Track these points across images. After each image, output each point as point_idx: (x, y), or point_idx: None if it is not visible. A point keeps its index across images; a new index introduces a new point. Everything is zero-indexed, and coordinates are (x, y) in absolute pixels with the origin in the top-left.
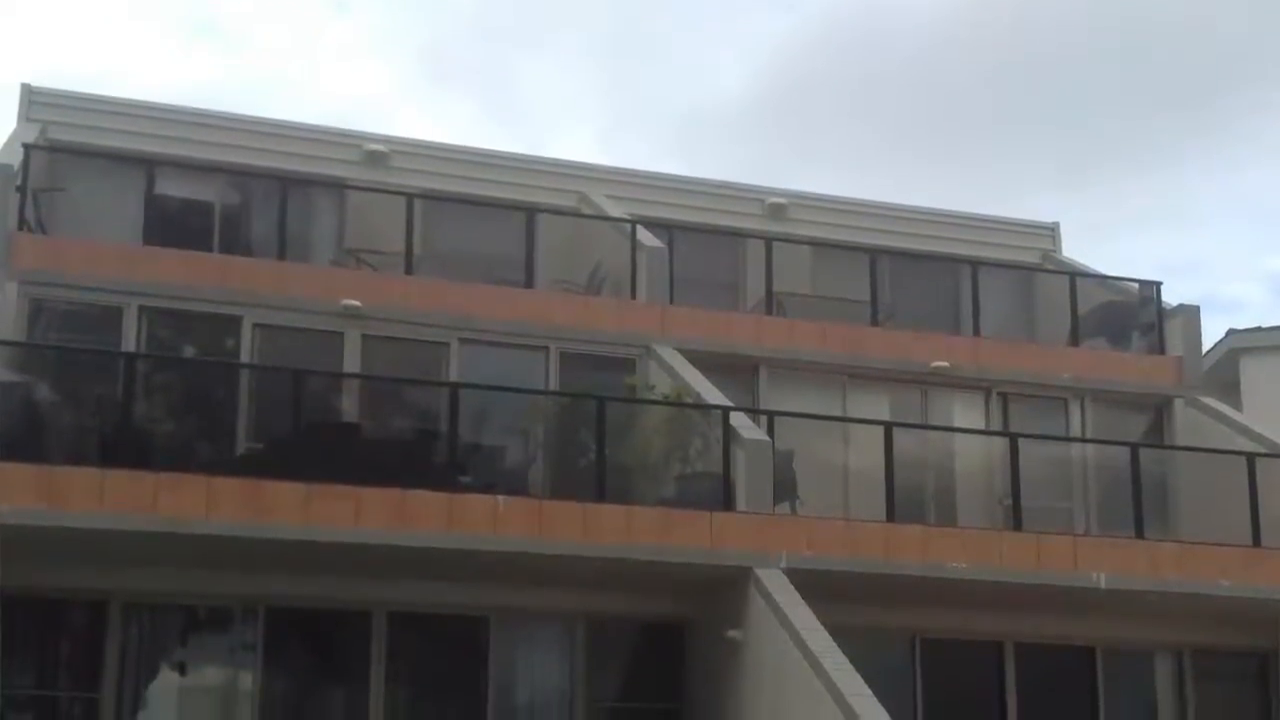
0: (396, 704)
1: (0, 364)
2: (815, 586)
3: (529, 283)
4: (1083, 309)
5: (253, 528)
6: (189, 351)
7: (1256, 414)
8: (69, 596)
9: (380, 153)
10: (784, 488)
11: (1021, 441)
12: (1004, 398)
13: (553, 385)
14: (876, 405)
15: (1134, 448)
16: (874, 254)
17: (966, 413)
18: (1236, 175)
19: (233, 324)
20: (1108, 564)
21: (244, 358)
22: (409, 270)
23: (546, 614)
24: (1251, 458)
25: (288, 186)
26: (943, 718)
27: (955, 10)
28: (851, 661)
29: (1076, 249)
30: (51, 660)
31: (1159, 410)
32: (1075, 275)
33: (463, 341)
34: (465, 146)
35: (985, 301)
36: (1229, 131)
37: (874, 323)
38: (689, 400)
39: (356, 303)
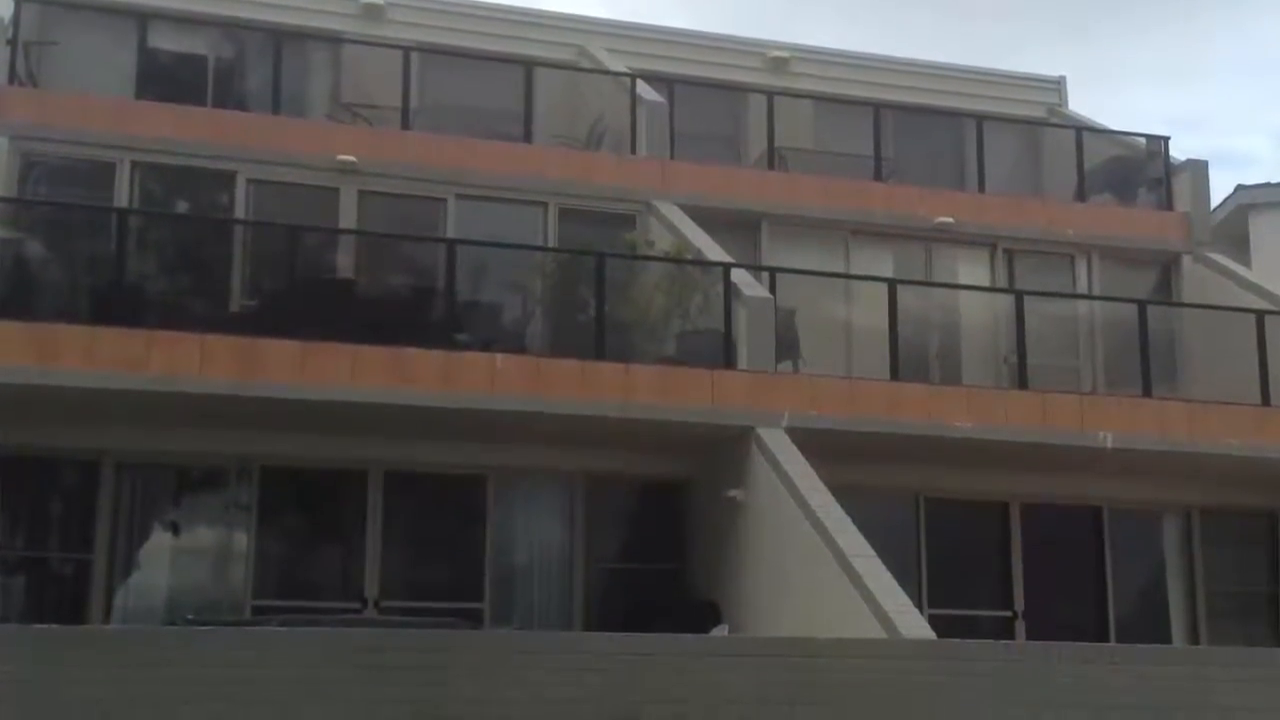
0: (393, 565)
1: None
2: (817, 445)
3: (527, 138)
4: (1089, 164)
5: (247, 386)
6: (182, 207)
7: (1265, 271)
8: (60, 456)
9: (376, 5)
10: (786, 345)
11: (1027, 298)
12: (1009, 254)
13: (551, 241)
14: (880, 262)
15: (1141, 305)
16: (877, 108)
17: (971, 269)
18: (1245, 28)
19: (226, 179)
20: (1114, 423)
21: (238, 213)
22: (405, 125)
23: (545, 473)
24: (1261, 315)
25: (282, 40)
26: (946, 578)
27: None
28: (854, 521)
29: (1083, 103)
30: (43, 521)
31: (1166, 267)
32: (1081, 130)
33: (460, 197)
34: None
35: (990, 157)
36: None
37: (877, 178)
38: (690, 257)
39: (352, 158)
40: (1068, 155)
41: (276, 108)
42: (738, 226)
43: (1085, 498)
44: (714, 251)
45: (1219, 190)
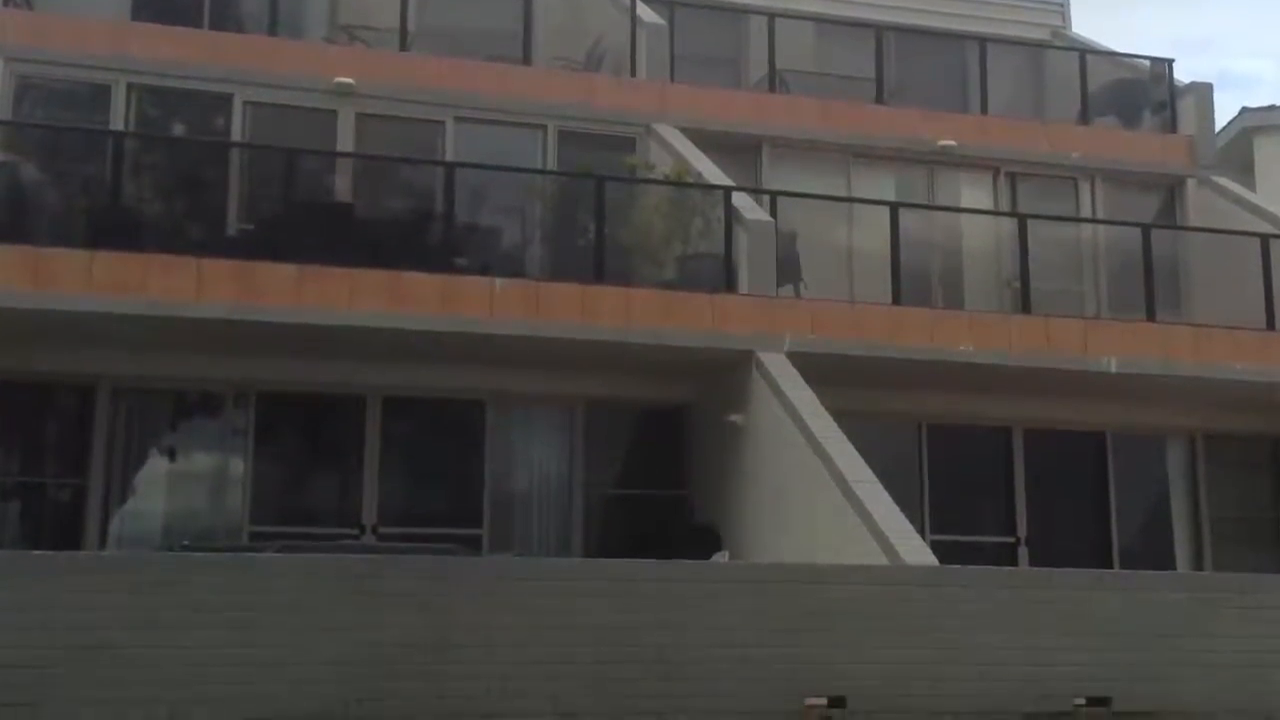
0: (391, 490)
1: None
2: (819, 370)
3: (526, 59)
4: (1093, 87)
5: (244, 310)
6: (178, 130)
7: (1271, 194)
8: (56, 381)
9: None
10: (787, 269)
11: (1030, 222)
12: (1012, 177)
13: (550, 165)
14: (882, 185)
15: (1145, 229)
16: (879, 30)
17: (974, 193)
18: None
19: (223, 102)
20: (1118, 347)
21: (235, 136)
22: (404, 46)
23: (544, 398)
24: (1266, 239)
25: None
26: (949, 504)
27: None
28: (855, 447)
29: (1086, 25)
30: (38, 446)
31: (1171, 190)
32: (1085, 52)
33: (458, 120)
34: None
35: (993, 79)
36: None
37: (879, 100)
38: (690, 180)
39: (350, 80)
40: (1071, 78)
41: (274, 29)
42: (738, 149)
43: (1088, 423)
44: (714, 174)
45: (1224, 113)
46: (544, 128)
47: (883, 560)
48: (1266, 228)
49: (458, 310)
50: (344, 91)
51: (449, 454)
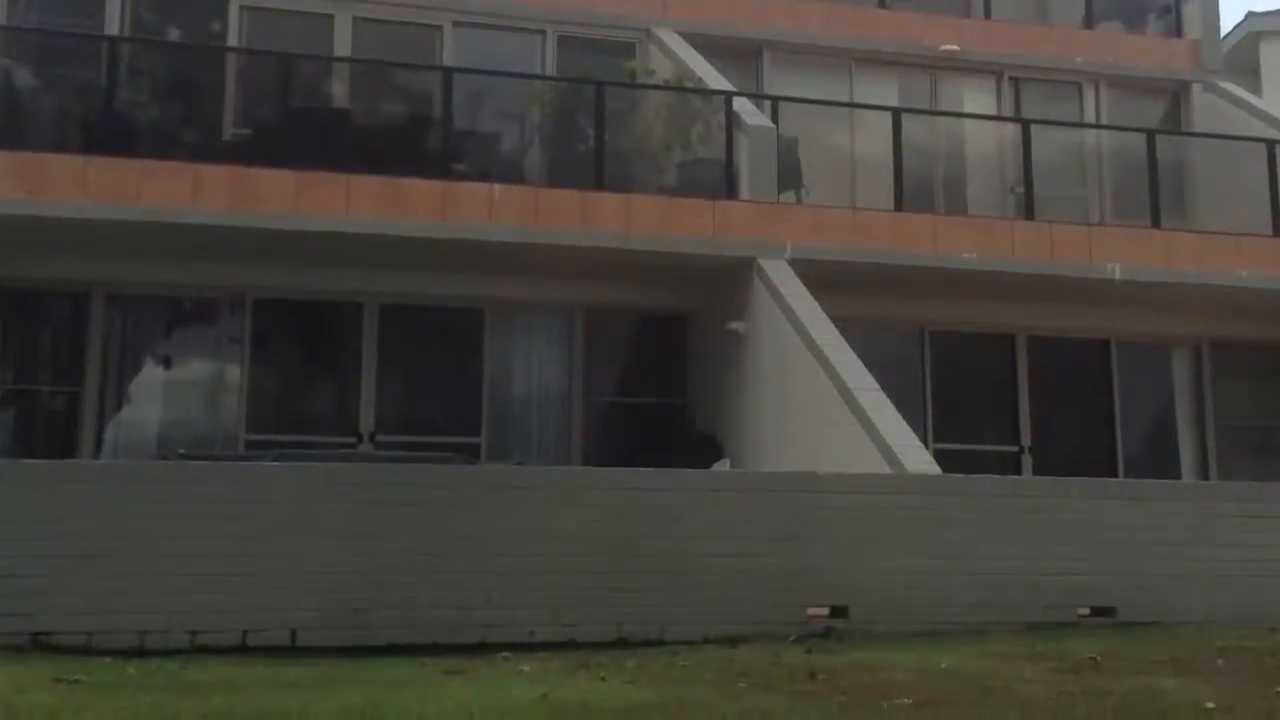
0: (388, 399)
1: None
2: (821, 277)
3: None
4: None
5: (240, 216)
6: (174, 34)
7: (1277, 99)
8: (50, 288)
9: None
10: (789, 176)
11: (1034, 128)
12: (1015, 82)
13: (549, 70)
14: (884, 90)
15: (1150, 134)
16: None
17: (977, 98)
18: None
19: (219, 6)
20: (1123, 254)
21: (231, 41)
22: None
23: (543, 306)
24: (1271, 144)
25: None
26: (951, 412)
27: None
28: (858, 354)
29: None
30: (32, 353)
31: (1176, 95)
32: None
33: (456, 24)
34: None
35: None
36: None
37: (882, 5)
38: (690, 85)
39: None
40: None
41: None
42: (739, 54)
43: (1093, 330)
44: (715, 80)
45: (1229, 17)
46: (543, 32)
47: (885, 469)
48: (1272, 133)
49: (456, 217)
50: None
51: (447, 361)
